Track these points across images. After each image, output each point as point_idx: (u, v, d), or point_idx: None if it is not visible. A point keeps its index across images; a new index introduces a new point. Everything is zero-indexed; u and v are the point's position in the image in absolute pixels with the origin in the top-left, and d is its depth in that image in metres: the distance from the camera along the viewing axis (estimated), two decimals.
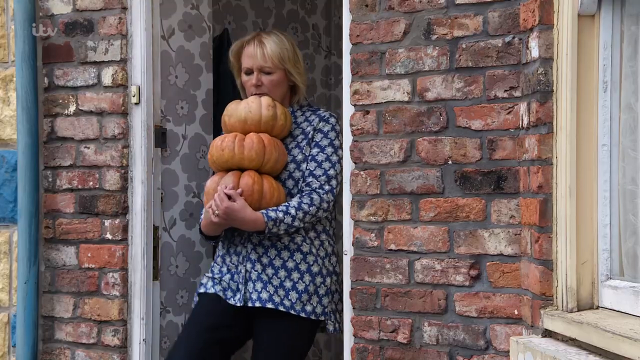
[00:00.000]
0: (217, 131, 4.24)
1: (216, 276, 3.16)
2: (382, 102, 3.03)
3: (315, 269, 3.10)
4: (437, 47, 2.94)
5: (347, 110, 3.10)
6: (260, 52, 3.11)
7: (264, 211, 3.01)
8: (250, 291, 3.06)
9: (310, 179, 3.09)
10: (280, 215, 3.01)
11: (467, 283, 2.89)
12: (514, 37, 2.82)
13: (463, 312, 2.89)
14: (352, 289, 3.07)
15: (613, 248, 2.54)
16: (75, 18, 3.55)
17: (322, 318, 3.12)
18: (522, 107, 2.79)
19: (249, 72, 3.17)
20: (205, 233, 3.16)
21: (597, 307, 2.55)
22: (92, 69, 3.53)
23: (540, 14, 2.64)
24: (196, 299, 3.25)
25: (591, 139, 2.56)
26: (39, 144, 3.59)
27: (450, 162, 2.92)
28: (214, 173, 3.25)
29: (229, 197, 2.99)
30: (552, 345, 2.51)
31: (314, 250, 3.12)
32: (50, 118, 3.60)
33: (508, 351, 2.78)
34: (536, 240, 2.68)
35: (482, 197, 2.87)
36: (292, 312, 3.05)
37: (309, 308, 3.07)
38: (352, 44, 3.08)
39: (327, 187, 3.09)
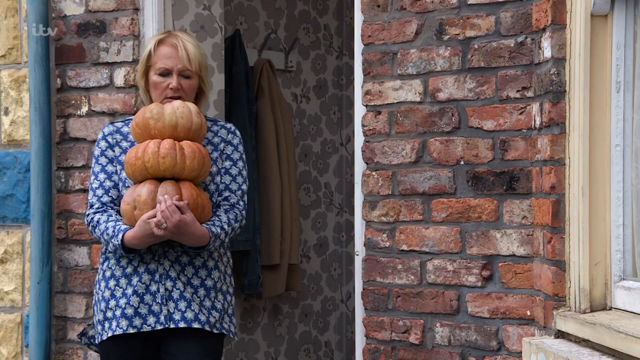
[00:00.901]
0: None
1: (120, 304, 2.82)
2: (393, 103, 3.03)
3: (225, 287, 2.94)
4: (449, 48, 2.93)
5: (359, 110, 3.10)
6: (185, 54, 2.89)
7: (205, 226, 2.81)
8: (172, 311, 2.81)
9: (227, 194, 2.93)
10: (219, 230, 2.84)
11: (479, 284, 2.88)
12: (526, 37, 2.81)
13: (475, 312, 2.89)
14: (363, 289, 3.07)
15: (626, 249, 2.53)
16: (88, 19, 3.56)
17: (235, 338, 2.97)
18: (535, 107, 2.78)
19: (166, 73, 2.89)
20: (132, 246, 2.78)
21: (610, 308, 2.54)
22: (105, 69, 3.54)
23: (552, 14, 2.64)
24: (86, 340, 2.93)
25: (604, 140, 2.55)
26: (52, 144, 3.60)
27: (462, 163, 2.92)
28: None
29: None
30: (565, 346, 2.50)
31: (226, 270, 2.97)
32: (62, 119, 3.61)
33: (520, 352, 2.77)
34: (549, 240, 2.67)
35: (494, 197, 2.87)
36: (215, 330, 2.86)
37: (225, 326, 2.91)
38: (364, 45, 3.07)
39: (242, 204, 2.94)
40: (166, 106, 2.84)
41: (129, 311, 2.81)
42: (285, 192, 4.52)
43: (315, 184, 5.01)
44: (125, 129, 2.96)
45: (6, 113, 3.74)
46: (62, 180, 3.61)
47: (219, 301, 2.90)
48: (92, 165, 2.95)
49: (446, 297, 2.93)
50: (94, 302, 2.93)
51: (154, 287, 2.82)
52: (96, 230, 2.86)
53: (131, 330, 2.81)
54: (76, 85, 3.59)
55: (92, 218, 2.88)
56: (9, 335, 3.72)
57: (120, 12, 3.51)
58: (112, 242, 2.81)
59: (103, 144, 2.94)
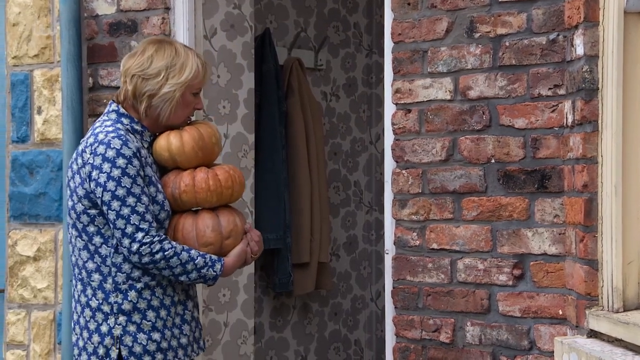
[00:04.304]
0: (259, 131, 4.27)
1: (175, 334, 2.73)
2: (424, 101, 3.02)
3: None
4: (480, 45, 2.92)
5: (389, 109, 3.09)
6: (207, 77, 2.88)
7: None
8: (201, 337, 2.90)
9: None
10: None
11: (510, 283, 2.87)
12: (558, 35, 2.79)
13: (506, 312, 2.87)
14: (393, 288, 3.07)
15: None
16: (120, 18, 3.59)
17: None
18: (567, 105, 2.76)
19: (198, 93, 2.81)
20: (226, 275, 2.75)
21: None
22: None
23: (585, 11, 2.62)
24: None
25: (637, 137, 2.52)
26: None
27: (493, 161, 2.90)
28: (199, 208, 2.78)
29: None
30: (597, 345, 2.48)
31: None
32: (94, 118, 3.63)
33: (552, 352, 2.75)
34: (581, 239, 2.65)
35: (526, 196, 2.85)
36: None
37: None
38: (394, 43, 3.07)
39: None
40: (209, 128, 2.78)
41: (184, 340, 2.76)
42: (315, 191, 4.53)
43: (344, 182, 5.01)
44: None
45: (39, 112, 3.78)
46: None
47: None
48: (127, 185, 2.60)
49: (477, 296, 2.92)
50: (120, 334, 2.67)
51: (196, 314, 2.83)
52: (172, 260, 2.64)
53: None
54: (108, 85, 3.62)
55: (162, 247, 2.63)
56: (42, 332, 3.76)
57: (152, 12, 3.53)
58: (202, 271, 2.68)
59: (137, 162, 2.63)
